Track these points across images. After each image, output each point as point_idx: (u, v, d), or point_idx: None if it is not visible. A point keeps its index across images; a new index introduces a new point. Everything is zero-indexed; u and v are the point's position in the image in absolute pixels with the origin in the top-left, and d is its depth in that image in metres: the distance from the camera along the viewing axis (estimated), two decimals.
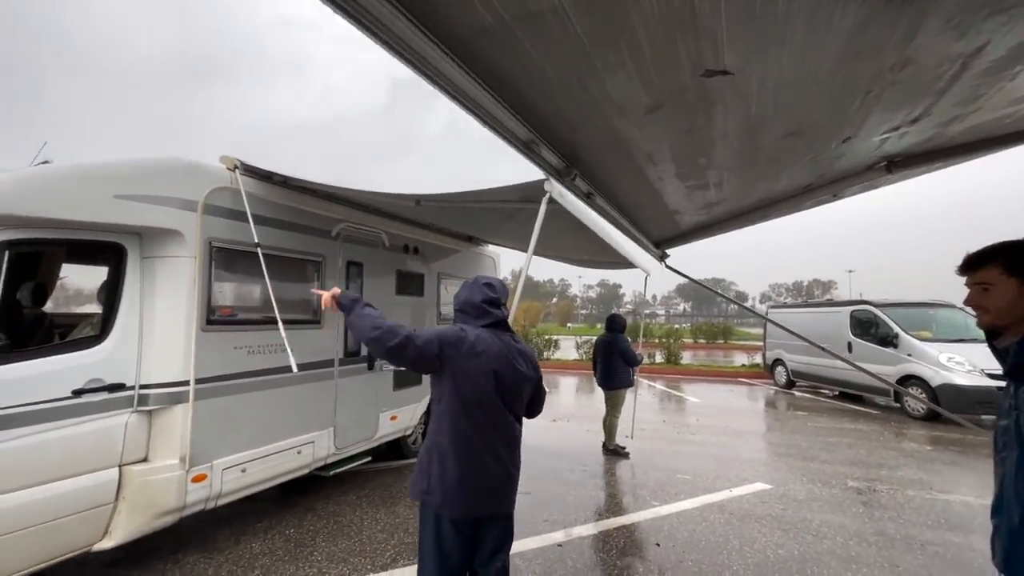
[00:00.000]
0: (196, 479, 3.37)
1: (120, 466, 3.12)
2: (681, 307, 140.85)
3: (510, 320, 2.42)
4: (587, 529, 4.06)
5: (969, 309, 1.70)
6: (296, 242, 4.21)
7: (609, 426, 6.29)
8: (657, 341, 18.53)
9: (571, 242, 4.58)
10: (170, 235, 3.34)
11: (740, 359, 18.69)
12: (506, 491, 2.21)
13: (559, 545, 3.78)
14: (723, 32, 1.10)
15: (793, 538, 3.93)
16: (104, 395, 3.05)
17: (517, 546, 3.72)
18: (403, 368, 2.30)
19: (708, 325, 31.20)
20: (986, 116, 1.80)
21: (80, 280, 5.10)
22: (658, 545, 3.80)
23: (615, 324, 6.31)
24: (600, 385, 6.33)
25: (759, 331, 13.33)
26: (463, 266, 6.86)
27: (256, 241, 3.57)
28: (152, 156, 3.36)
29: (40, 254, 3.91)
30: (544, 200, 2.88)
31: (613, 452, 6.21)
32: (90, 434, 2.98)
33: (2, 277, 2.71)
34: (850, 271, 76.78)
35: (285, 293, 4.10)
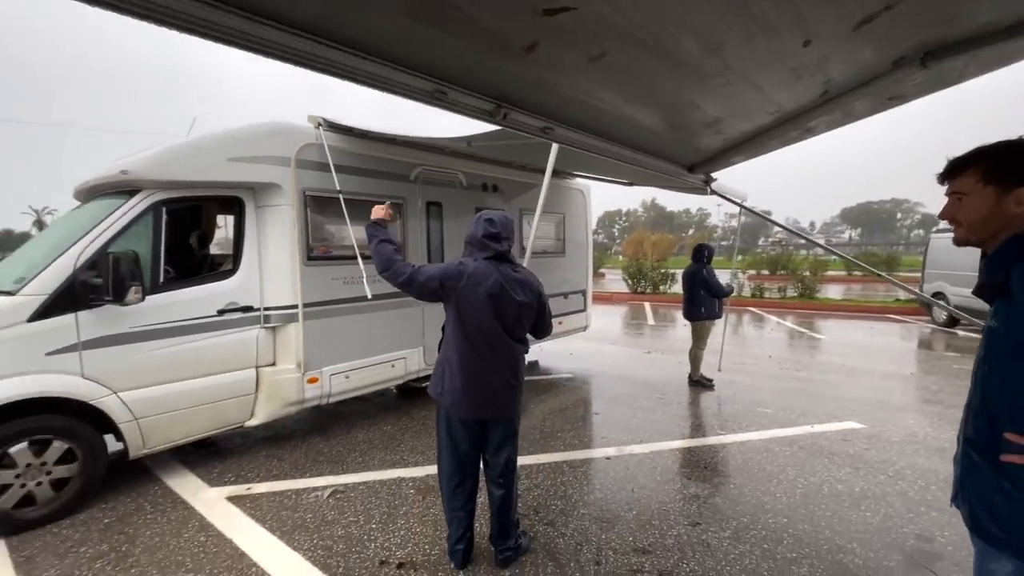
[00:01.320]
0: (310, 381, 4.31)
1: (256, 367, 4.14)
2: (847, 234, 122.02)
3: (526, 254, 2.64)
4: (640, 448, 4.27)
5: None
6: (377, 187, 4.79)
7: (693, 358, 6.20)
8: (791, 273, 16.74)
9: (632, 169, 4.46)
10: (273, 188, 4.11)
11: (903, 294, 16.05)
12: (504, 400, 2.56)
13: (607, 459, 4.09)
14: None
15: (863, 476, 3.71)
16: (239, 314, 4.02)
17: (567, 455, 4.13)
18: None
19: (866, 255, 26.79)
20: None
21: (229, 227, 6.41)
22: (705, 468, 3.90)
23: (700, 255, 6.03)
24: (684, 316, 6.21)
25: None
26: (548, 201, 6.97)
27: (338, 188, 4.20)
28: (253, 123, 4.09)
29: (200, 208, 5.03)
30: (555, 144, 2.97)
31: (697, 383, 6.15)
32: (234, 342, 3.99)
33: (163, 228, 3.68)
34: None
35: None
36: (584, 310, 7.78)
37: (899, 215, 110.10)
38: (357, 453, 4.23)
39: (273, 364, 4.22)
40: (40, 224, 63.68)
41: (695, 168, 3.04)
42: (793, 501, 3.36)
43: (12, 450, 3.01)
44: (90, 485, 3.34)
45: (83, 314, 3.24)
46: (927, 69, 1.88)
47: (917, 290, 11.92)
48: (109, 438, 3.46)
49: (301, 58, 1.21)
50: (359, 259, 4.14)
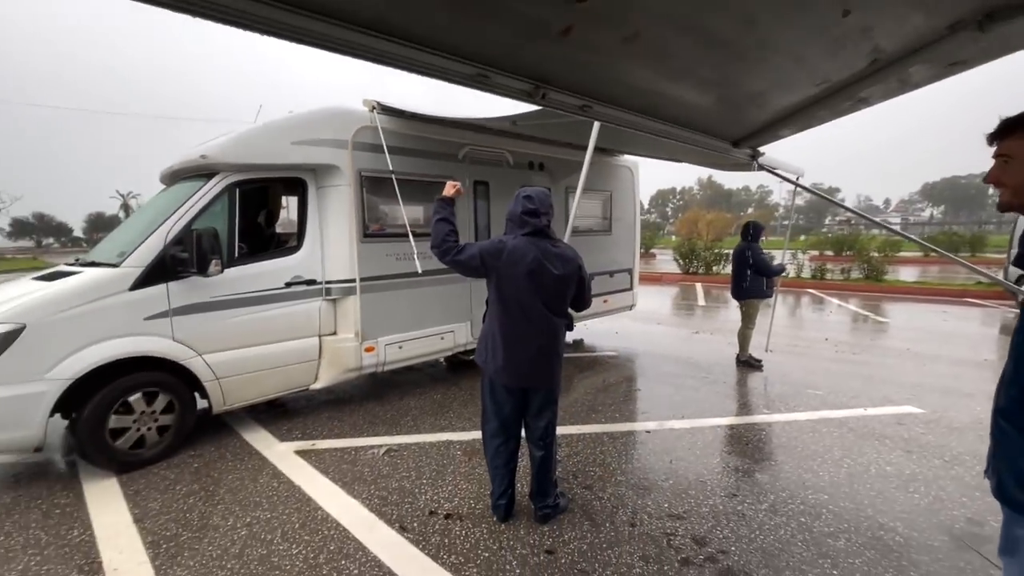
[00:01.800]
0: (367, 349, 4.64)
1: (319, 336, 4.49)
2: (927, 212, 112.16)
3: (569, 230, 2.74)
4: (681, 424, 4.32)
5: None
6: (427, 167, 4.99)
7: (741, 338, 6.10)
8: (856, 253, 15.75)
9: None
10: (332, 169, 4.39)
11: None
12: (544, 370, 2.71)
13: (647, 432, 4.17)
14: None
15: (915, 460, 3.60)
16: (304, 287, 4.37)
17: (607, 427, 4.25)
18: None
19: (946, 234, 24.64)
20: None
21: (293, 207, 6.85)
22: (747, 445, 3.91)
23: (747, 232, 5.88)
24: (732, 295, 6.11)
25: None
26: (594, 178, 6.98)
27: (391, 169, 4.43)
28: (313, 108, 4.36)
29: (267, 189, 5.42)
30: (596, 124, 3.03)
31: (745, 364, 6.06)
32: (299, 313, 4.35)
33: (237, 208, 4.04)
34: None
35: (421, 212, 5.00)
36: (630, 289, 7.76)
37: (991, 191, 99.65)
38: (409, 417, 4.54)
39: (334, 333, 4.57)
40: (126, 207, 69.52)
41: (740, 143, 3.00)
42: (836, 480, 3.33)
43: (131, 399, 3.53)
44: (183, 434, 3.82)
45: (172, 284, 3.66)
46: (987, 33, 1.81)
47: (1002, 272, 10.98)
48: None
49: (363, 52, 1.36)
50: (410, 236, 4.37)
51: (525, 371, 2.68)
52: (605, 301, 7.27)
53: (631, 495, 3.16)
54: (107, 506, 3.10)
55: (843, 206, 3.83)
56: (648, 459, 3.68)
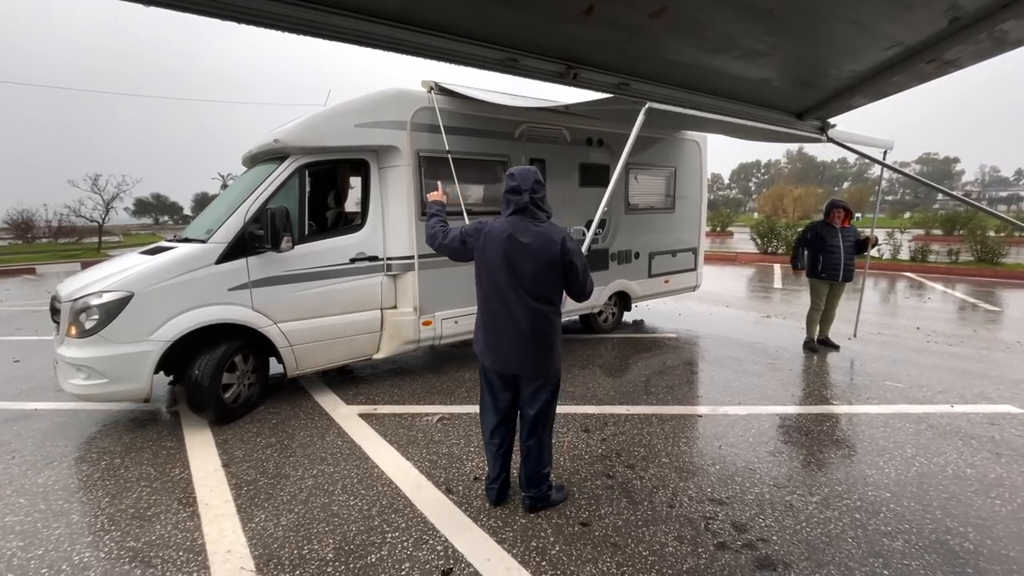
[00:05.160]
0: (425, 323, 4.87)
1: (381, 309, 4.78)
2: None
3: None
4: (736, 410, 4.18)
5: None
6: (484, 146, 5.06)
7: (807, 319, 5.74)
8: (969, 233, 13.95)
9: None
10: (392, 150, 4.58)
11: None
12: (526, 357, 2.58)
13: (699, 416, 4.08)
14: None
15: (1004, 464, 3.26)
16: (367, 263, 4.65)
17: (657, 409, 4.20)
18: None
19: None
20: None
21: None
22: (806, 436, 3.72)
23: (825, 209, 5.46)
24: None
25: None
26: (658, 154, 6.73)
27: (447, 149, 4.54)
28: (375, 91, 4.55)
29: (335, 170, 5.75)
30: (642, 111, 2.95)
31: (807, 347, 5.72)
32: (363, 287, 4.64)
33: (306, 188, 4.35)
34: None
35: (477, 190, 5.11)
36: (694, 269, 7.46)
37: None
38: (463, 389, 4.75)
39: (394, 307, 4.84)
40: (225, 187, 76.31)
41: (805, 115, 2.78)
42: (903, 478, 3.10)
43: (236, 359, 4.04)
44: (262, 393, 4.27)
45: (251, 259, 4.04)
46: None
47: None
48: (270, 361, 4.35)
49: (391, 44, 1.44)
50: (464, 215, 4.49)
51: (506, 356, 2.59)
52: (666, 281, 7.07)
53: (673, 477, 3.14)
54: (202, 451, 3.57)
55: (922, 180, 3.39)
56: (696, 443, 3.61)
